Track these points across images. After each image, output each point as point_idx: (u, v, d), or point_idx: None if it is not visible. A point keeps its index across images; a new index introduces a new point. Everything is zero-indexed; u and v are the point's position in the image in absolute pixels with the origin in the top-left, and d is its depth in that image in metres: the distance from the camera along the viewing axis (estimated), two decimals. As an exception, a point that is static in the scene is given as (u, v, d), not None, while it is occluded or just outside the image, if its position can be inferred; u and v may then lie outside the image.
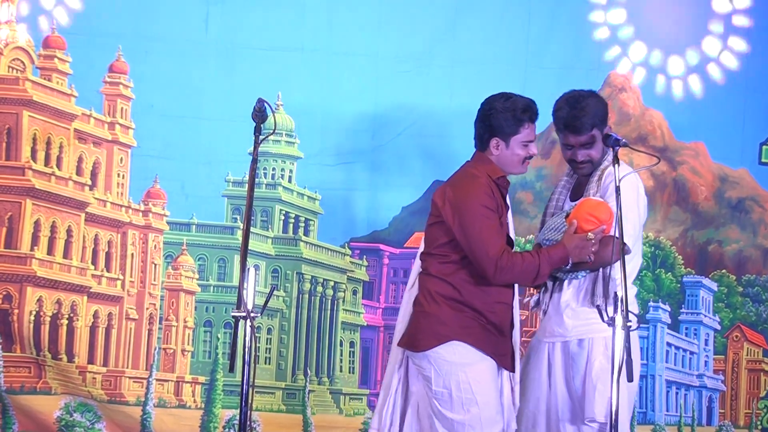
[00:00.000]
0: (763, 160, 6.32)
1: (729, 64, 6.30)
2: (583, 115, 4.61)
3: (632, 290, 4.65)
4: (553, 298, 4.70)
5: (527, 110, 4.58)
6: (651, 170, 6.06)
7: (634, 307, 4.65)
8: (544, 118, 6.01)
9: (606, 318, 4.19)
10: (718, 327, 6.37)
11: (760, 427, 6.31)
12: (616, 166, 4.34)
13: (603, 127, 4.67)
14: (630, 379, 4.11)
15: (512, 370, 4.55)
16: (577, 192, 4.76)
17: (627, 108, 6.26)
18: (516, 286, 4.60)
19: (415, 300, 4.62)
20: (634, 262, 4.69)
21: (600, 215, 4.47)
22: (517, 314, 4.62)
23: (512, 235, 4.66)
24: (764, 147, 6.32)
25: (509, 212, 4.68)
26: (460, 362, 4.45)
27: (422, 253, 4.68)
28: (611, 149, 4.60)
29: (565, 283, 4.64)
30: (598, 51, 6.23)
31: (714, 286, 6.35)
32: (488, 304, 4.49)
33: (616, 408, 4.11)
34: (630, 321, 4.09)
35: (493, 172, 4.60)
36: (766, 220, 6.34)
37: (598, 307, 4.41)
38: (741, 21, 6.31)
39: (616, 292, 4.37)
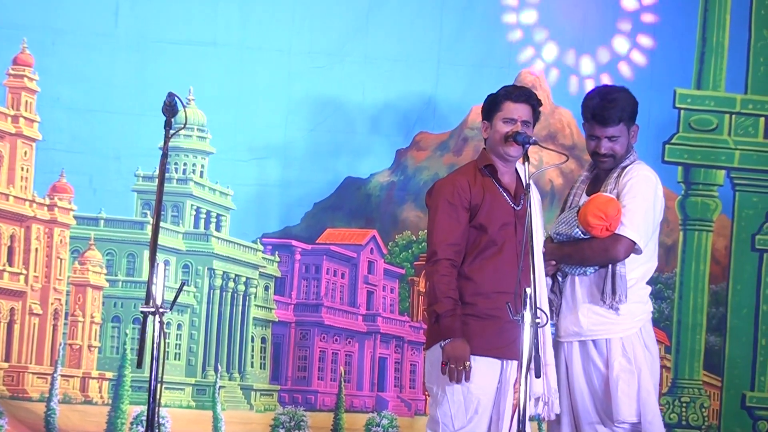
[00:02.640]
0: (666, 158, 6.47)
1: (638, 61, 6.42)
2: (612, 107, 4.62)
3: (647, 289, 4.69)
4: (565, 294, 4.68)
5: (505, 88, 4.68)
6: (560, 168, 6.17)
7: (649, 306, 4.69)
8: (456, 115, 6.10)
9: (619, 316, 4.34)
10: (622, 322, 6.49)
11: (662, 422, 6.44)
12: (526, 164, 4.39)
13: (630, 124, 4.69)
14: (538, 375, 4.17)
15: (518, 358, 4.44)
16: (595, 187, 4.75)
17: (537, 106, 6.34)
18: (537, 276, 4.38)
19: None
20: (648, 265, 4.69)
21: (608, 211, 4.54)
22: (536, 301, 4.18)
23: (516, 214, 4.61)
24: (667, 146, 6.47)
25: (521, 195, 4.63)
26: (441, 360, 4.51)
27: None
28: (634, 149, 4.66)
29: (576, 279, 4.63)
30: (512, 53, 6.31)
31: (618, 282, 6.46)
32: (481, 295, 4.52)
33: (524, 403, 4.16)
34: (539, 318, 4.15)
35: (481, 161, 4.69)
36: (668, 218, 6.44)
37: (610, 306, 4.49)
38: (648, 18, 6.44)
39: (625, 290, 4.48)
